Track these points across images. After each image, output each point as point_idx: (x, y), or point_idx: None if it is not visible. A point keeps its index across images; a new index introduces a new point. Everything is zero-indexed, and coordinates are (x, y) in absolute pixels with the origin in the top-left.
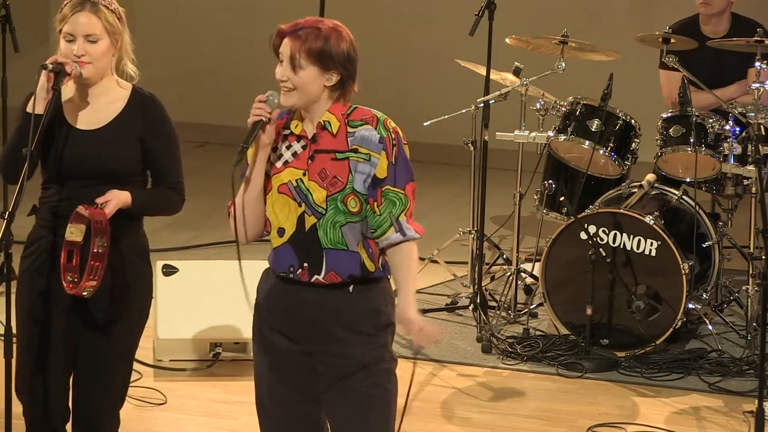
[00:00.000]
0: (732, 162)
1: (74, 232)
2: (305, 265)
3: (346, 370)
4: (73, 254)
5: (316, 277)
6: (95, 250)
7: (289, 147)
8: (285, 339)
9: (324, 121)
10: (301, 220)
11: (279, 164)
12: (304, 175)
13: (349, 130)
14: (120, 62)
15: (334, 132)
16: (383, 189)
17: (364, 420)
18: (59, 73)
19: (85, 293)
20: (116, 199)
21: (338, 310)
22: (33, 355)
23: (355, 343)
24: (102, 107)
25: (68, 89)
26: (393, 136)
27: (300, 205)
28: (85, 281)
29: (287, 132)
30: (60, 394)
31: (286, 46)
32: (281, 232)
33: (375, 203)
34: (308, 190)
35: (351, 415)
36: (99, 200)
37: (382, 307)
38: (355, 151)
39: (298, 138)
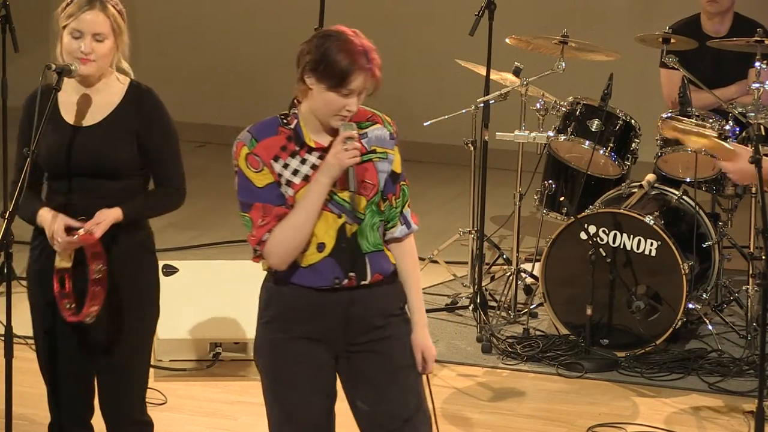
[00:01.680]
0: None
1: (63, 259)
2: (351, 274)
3: (385, 349)
4: (65, 280)
5: (362, 282)
6: (94, 277)
7: (304, 161)
8: (322, 345)
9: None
10: (341, 231)
11: (297, 180)
12: (333, 186)
13: (360, 132)
14: (117, 60)
15: None
16: (401, 183)
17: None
18: (61, 73)
19: (88, 319)
20: (105, 221)
21: (379, 302)
22: (52, 358)
23: (392, 323)
24: (99, 103)
25: (66, 87)
26: (395, 130)
27: (339, 216)
28: (87, 308)
29: (297, 147)
30: (83, 393)
31: (365, 81)
32: (321, 247)
33: (393, 198)
34: (343, 199)
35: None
36: (87, 225)
37: (401, 289)
38: (374, 151)
39: (310, 150)
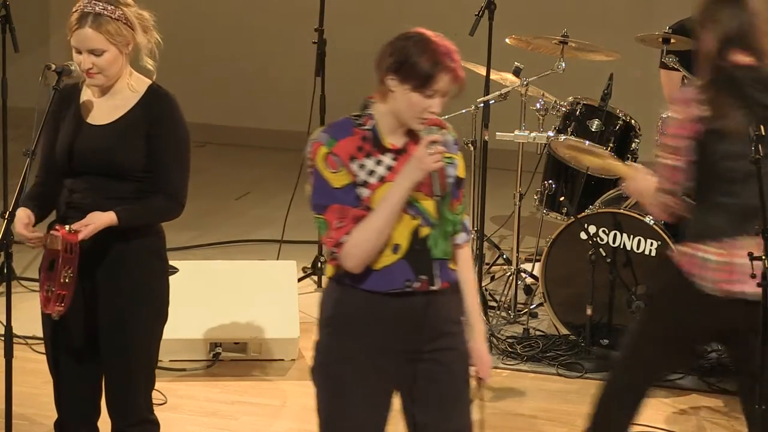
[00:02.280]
0: None
1: (53, 242)
2: (423, 278)
3: (449, 360)
4: (54, 263)
5: (432, 287)
6: (62, 280)
7: (379, 162)
8: (390, 355)
9: (412, 130)
10: (415, 233)
11: (373, 180)
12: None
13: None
14: (138, 59)
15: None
16: (463, 189)
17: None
18: (61, 73)
19: (54, 315)
20: (95, 223)
21: (445, 310)
22: (59, 357)
23: (455, 332)
24: (116, 104)
25: (88, 89)
26: (456, 135)
27: (414, 218)
28: (53, 305)
29: (373, 148)
30: (89, 393)
31: (450, 82)
32: (396, 248)
33: (457, 203)
34: (416, 200)
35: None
36: (75, 226)
37: (462, 298)
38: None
39: (385, 151)
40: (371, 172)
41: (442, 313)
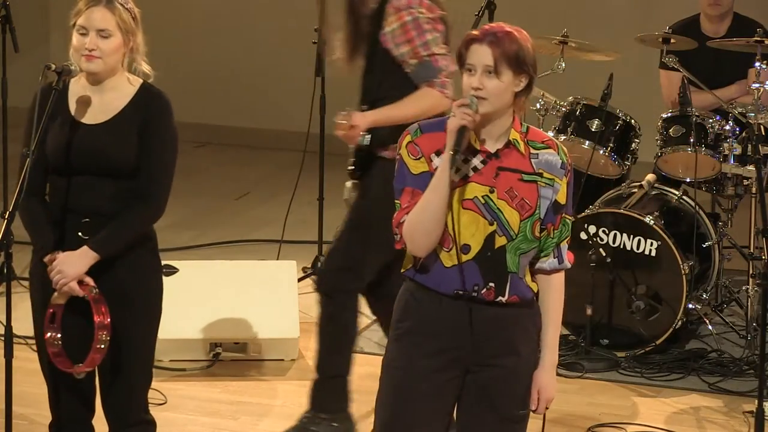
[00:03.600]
0: (732, 162)
1: (59, 297)
2: (491, 285)
3: (512, 385)
4: (55, 316)
5: (500, 298)
6: (98, 346)
7: (466, 161)
8: (453, 359)
9: (513, 139)
10: (490, 238)
11: (456, 178)
12: (491, 192)
13: (532, 151)
14: (133, 62)
15: (523, 152)
16: (563, 215)
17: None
18: (61, 73)
19: (79, 376)
20: (74, 273)
21: (512, 325)
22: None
23: (520, 353)
24: (109, 102)
25: (78, 85)
26: (569, 162)
27: (491, 224)
28: (84, 367)
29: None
30: (84, 393)
31: (479, 53)
32: (466, 249)
33: (553, 228)
34: (498, 208)
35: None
36: (77, 291)
37: (538, 320)
38: (540, 175)
39: (474, 152)
40: (457, 170)
41: (510, 328)
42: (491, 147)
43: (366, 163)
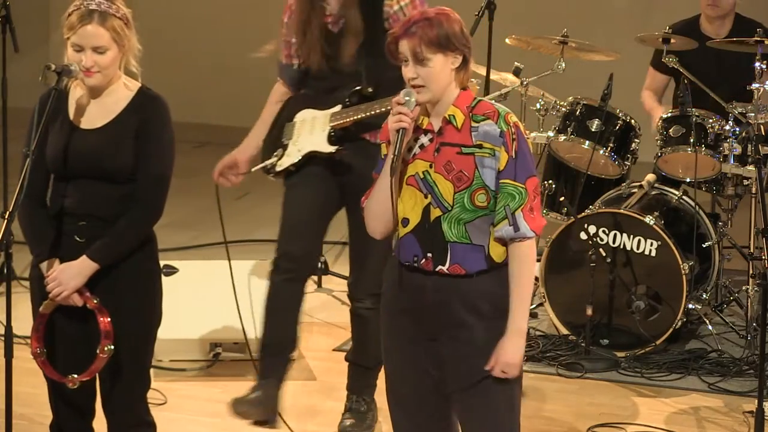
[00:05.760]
0: (732, 162)
1: (48, 306)
2: (429, 255)
3: (470, 357)
4: (40, 325)
5: (440, 267)
6: (102, 355)
7: (416, 140)
8: (411, 323)
9: (449, 115)
10: (426, 211)
11: (409, 157)
12: (430, 167)
13: (473, 124)
14: (128, 64)
15: (459, 126)
16: (502, 182)
17: (491, 410)
18: (61, 73)
19: (73, 386)
20: (74, 285)
21: (460, 293)
22: (53, 359)
23: (478, 328)
24: (107, 107)
25: (77, 90)
26: (513, 130)
27: (426, 197)
28: (81, 377)
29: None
30: (84, 395)
31: (404, 46)
32: (405, 222)
33: (485, 196)
34: (434, 182)
35: (478, 406)
36: (77, 302)
37: (500, 289)
38: (480, 146)
39: (425, 132)
40: (410, 149)
41: (461, 298)
42: (436, 125)
43: (346, 140)
